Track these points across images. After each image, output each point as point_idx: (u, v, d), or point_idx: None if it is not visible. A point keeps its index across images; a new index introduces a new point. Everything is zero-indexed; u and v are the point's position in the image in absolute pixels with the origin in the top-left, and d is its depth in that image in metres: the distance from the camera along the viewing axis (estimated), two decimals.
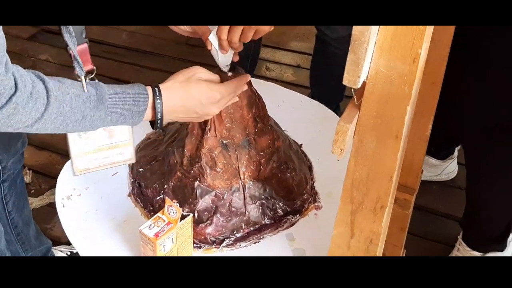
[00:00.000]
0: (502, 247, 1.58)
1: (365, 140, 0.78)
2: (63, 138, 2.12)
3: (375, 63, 0.70)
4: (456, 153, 1.94)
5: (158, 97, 0.96)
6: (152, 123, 1.00)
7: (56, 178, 1.97)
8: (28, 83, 0.80)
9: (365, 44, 0.66)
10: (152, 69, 2.50)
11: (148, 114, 0.97)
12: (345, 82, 0.70)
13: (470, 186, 1.53)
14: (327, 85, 2.03)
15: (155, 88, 0.97)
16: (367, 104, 0.74)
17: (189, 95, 0.99)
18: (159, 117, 0.97)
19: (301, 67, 2.50)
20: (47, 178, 2.02)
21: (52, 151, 2.13)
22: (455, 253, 1.61)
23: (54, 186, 1.95)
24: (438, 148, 1.80)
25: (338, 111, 2.07)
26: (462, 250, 1.59)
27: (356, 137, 0.79)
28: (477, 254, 1.57)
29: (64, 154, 2.10)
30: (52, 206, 1.90)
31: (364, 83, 0.72)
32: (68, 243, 1.71)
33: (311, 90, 2.12)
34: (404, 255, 1.50)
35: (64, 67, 2.52)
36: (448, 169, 1.93)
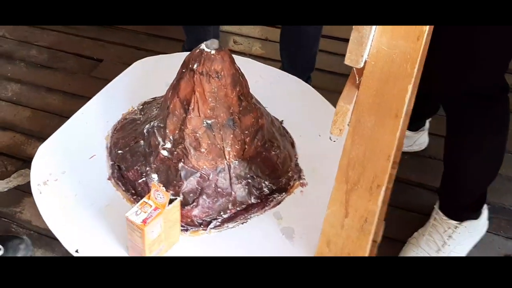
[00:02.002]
0: (477, 215, 1.61)
1: (363, 120, 0.77)
2: (26, 117, 2.07)
3: (377, 41, 0.68)
4: (427, 124, 1.96)
5: None
6: None
7: (22, 160, 1.92)
8: None
9: None
10: (115, 44, 2.42)
11: None
12: (347, 61, 0.68)
13: (449, 153, 1.54)
14: (298, 57, 2.02)
15: None
16: (367, 83, 0.73)
17: None
18: None
19: (269, 40, 2.46)
20: (13, 159, 1.95)
21: (16, 131, 2.05)
22: (432, 223, 1.63)
23: (20, 168, 1.90)
24: (411, 120, 1.82)
25: (309, 82, 2.07)
26: (439, 219, 1.61)
27: (353, 116, 0.77)
28: (453, 222, 1.60)
29: (29, 134, 2.02)
30: (19, 188, 1.83)
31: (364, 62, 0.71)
32: (39, 227, 1.67)
33: (282, 63, 2.09)
34: (383, 227, 1.52)
35: (21, 43, 2.43)
36: (420, 140, 1.95)
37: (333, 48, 2.36)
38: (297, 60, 2.04)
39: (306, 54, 2.04)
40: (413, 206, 1.80)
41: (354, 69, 0.72)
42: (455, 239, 1.59)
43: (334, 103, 1.11)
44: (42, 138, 1.27)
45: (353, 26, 0.65)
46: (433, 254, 1.58)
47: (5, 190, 1.83)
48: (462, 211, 1.59)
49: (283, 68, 2.07)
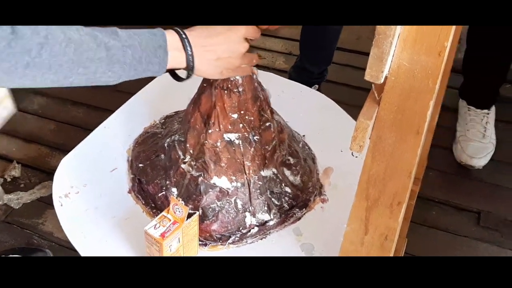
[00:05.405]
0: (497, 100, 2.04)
1: (384, 136, 0.75)
2: (51, 130, 2.09)
3: (397, 56, 0.67)
4: None
5: (181, 33, 0.90)
6: (176, 76, 0.96)
7: (46, 172, 1.95)
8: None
9: (390, 38, 0.63)
10: None
11: (174, 58, 0.90)
12: (367, 77, 0.67)
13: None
14: (318, 50, 2.05)
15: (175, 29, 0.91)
16: (387, 99, 0.71)
17: (213, 28, 0.94)
18: (190, 53, 0.91)
19: (293, 54, 2.46)
20: (37, 171, 1.98)
21: (41, 144, 2.08)
22: (469, 118, 1.99)
23: (44, 180, 1.92)
24: None
25: (326, 74, 2.09)
26: (473, 113, 2.00)
27: (374, 133, 0.76)
28: (486, 111, 2.00)
29: (53, 147, 2.05)
30: (42, 200, 1.86)
31: (385, 77, 0.70)
32: (61, 238, 1.68)
33: (300, 54, 2.10)
34: (405, 244, 1.50)
35: None
36: None
37: (358, 63, 2.35)
38: (316, 56, 2.08)
39: (325, 51, 2.08)
40: (438, 223, 1.77)
41: (374, 85, 0.71)
42: (490, 122, 2.00)
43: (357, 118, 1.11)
44: (66, 150, 1.28)
45: (373, 42, 0.64)
46: (481, 139, 1.95)
47: (28, 201, 1.85)
48: (489, 101, 2.01)
49: (301, 59, 2.09)
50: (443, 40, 0.64)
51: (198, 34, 0.93)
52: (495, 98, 2.03)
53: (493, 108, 2.03)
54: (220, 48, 0.95)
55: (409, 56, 0.67)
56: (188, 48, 0.90)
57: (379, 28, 0.63)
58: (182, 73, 0.97)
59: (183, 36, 0.90)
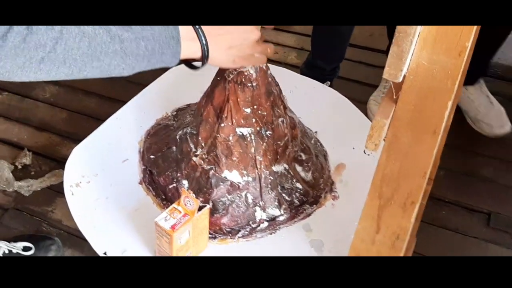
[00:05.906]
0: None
1: (400, 135, 0.75)
2: (63, 119, 2.10)
3: (416, 55, 0.67)
4: None
5: (196, 27, 0.90)
6: (190, 65, 0.96)
7: (56, 160, 1.95)
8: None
9: (411, 36, 0.62)
10: None
11: (188, 48, 0.90)
12: (385, 76, 0.67)
13: None
14: (329, 47, 2.03)
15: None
16: (405, 98, 0.71)
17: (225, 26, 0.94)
18: (204, 42, 0.90)
19: (305, 49, 2.45)
20: (47, 160, 1.98)
21: (52, 132, 2.08)
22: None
23: (54, 168, 1.93)
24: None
25: (338, 71, 2.08)
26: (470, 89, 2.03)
27: (390, 132, 0.75)
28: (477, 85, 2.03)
29: (65, 136, 2.06)
30: (52, 188, 1.86)
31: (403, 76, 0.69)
32: (70, 227, 1.69)
33: (312, 51, 2.09)
34: (415, 243, 1.49)
35: None
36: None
37: (371, 60, 2.33)
38: (327, 52, 2.07)
39: (337, 48, 2.06)
40: (447, 223, 1.76)
41: (392, 83, 0.70)
42: (487, 91, 2.03)
43: None
44: (77, 139, 1.29)
45: (393, 40, 0.63)
46: (492, 106, 2.00)
47: (39, 189, 1.86)
48: (477, 76, 2.02)
49: (312, 56, 2.07)
50: (464, 40, 0.64)
51: (210, 27, 0.92)
52: (484, 72, 2.08)
53: (481, 80, 2.08)
54: (231, 36, 0.95)
55: (428, 56, 0.66)
56: (202, 37, 0.90)
57: (400, 27, 0.62)
58: (196, 62, 0.97)
59: (196, 26, 0.90)
